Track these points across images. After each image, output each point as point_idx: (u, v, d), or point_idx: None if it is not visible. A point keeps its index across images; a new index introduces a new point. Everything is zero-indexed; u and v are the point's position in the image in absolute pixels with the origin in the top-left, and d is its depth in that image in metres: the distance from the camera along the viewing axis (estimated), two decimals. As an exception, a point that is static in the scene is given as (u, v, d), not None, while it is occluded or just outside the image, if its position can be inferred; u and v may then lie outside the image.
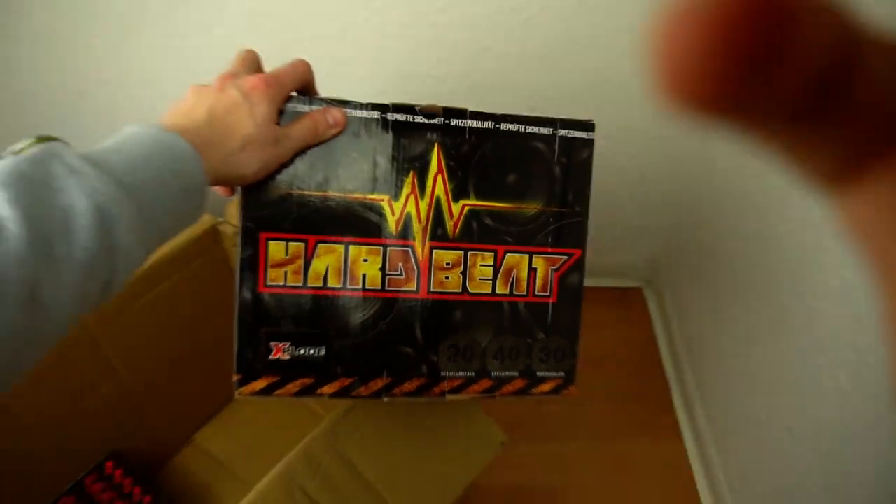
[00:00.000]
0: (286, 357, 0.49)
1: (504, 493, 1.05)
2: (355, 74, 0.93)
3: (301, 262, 0.49)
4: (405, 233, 0.50)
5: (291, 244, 0.49)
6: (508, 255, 0.53)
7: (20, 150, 0.33)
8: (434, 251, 0.51)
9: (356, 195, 0.49)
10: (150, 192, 0.37)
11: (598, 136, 1.07)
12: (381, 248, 0.50)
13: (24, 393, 0.67)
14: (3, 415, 0.67)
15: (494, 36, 0.89)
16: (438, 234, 0.51)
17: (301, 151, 0.48)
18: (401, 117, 0.50)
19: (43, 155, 0.33)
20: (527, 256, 0.53)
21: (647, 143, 1.08)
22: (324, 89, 0.96)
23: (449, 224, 0.51)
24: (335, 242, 0.49)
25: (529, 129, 0.52)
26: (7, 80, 0.88)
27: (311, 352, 0.50)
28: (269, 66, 0.48)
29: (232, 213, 0.76)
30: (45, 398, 0.70)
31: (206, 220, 0.78)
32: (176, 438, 0.91)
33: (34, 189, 0.31)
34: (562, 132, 0.53)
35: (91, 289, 0.34)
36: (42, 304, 0.30)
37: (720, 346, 1.03)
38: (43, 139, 0.34)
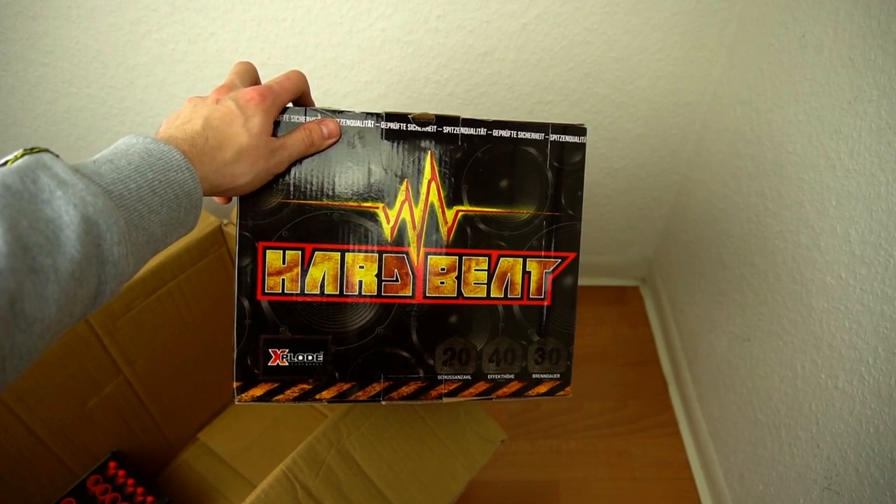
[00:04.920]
0: (285, 363, 0.50)
1: (504, 490, 1.06)
2: (359, 79, 0.94)
3: (298, 269, 0.50)
4: (400, 239, 0.51)
5: (289, 252, 0.49)
6: (502, 259, 0.53)
7: (7, 163, 0.33)
8: (429, 257, 0.52)
9: (351, 203, 0.50)
10: (141, 202, 0.37)
11: (594, 138, 1.08)
12: (377, 254, 0.51)
13: (27, 392, 0.68)
14: (6, 414, 0.67)
15: (493, 41, 0.90)
16: (433, 240, 0.52)
17: (297, 161, 0.49)
18: (394, 126, 0.50)
19: (29, 167, 0.33)
20: (520, 260, 0.54)
21: (642, 145, 1.09)
22: (328, 93, 0.97)
23: (443, 230, 0.52)
24: (332, 250, 0.50)
25: (521, 134, 0.53)
26: (17, 83, 0.89)
27: (310, 358, 0.50)
28: (273, 72, 0.49)
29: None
30: (48, 398, 0.70)
31: (211, 222, 0.79)
32: (180, 438, 0.92)
33: (18, 201, 0.31)
34: (553, 137, 0.53)
35: (78, 300, 0.34)
36: (24, 316, 0.30)
37: (717, 345, 1.02)
38: (31, 151, 0.34)
